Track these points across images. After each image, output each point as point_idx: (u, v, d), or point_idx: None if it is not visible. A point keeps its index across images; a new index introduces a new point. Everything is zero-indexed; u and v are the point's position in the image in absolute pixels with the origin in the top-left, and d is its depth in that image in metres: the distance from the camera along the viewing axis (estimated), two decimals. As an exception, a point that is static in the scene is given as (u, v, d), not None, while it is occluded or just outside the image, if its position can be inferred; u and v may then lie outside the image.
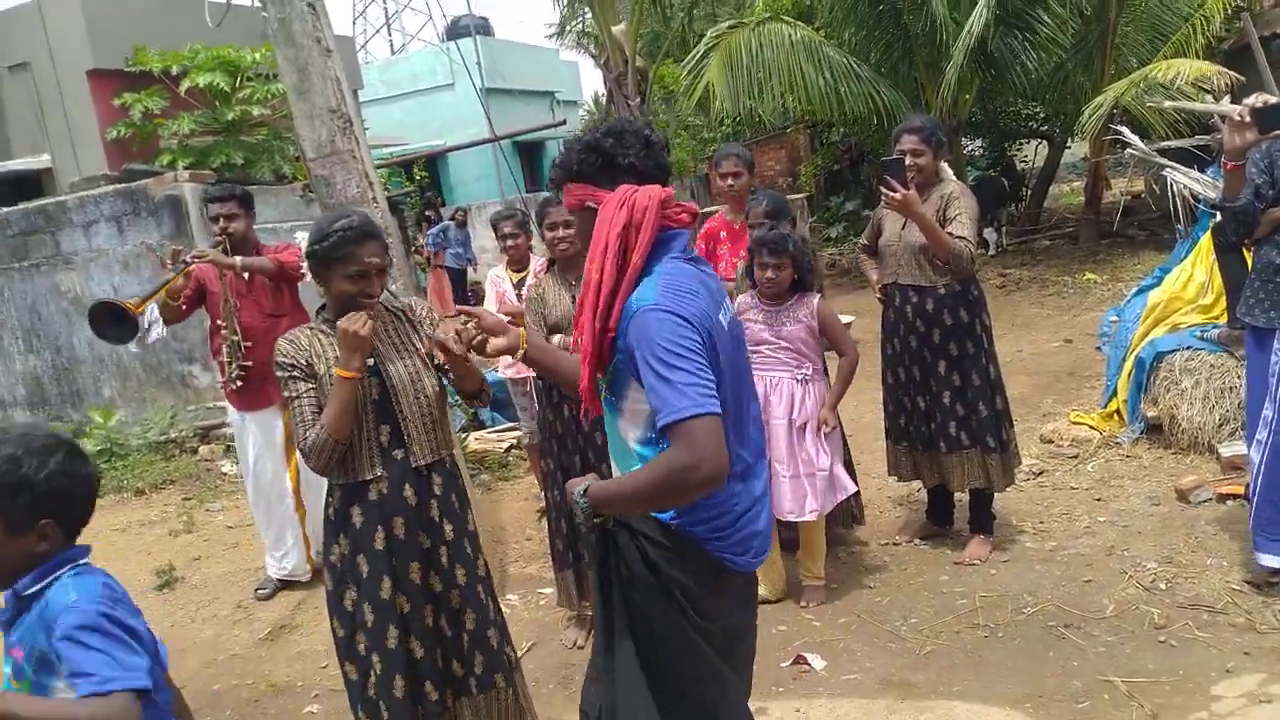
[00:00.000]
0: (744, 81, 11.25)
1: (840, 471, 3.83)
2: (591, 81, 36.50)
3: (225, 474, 6.80)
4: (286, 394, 2.56)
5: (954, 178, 4.17)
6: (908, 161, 3.90)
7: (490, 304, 5.00)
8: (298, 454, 4.53)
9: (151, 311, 4.29)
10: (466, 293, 13.34)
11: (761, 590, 3.98)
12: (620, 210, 1.85)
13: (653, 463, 1.81)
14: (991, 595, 3.71)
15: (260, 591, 4.68)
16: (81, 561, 1.72)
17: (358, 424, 2.50)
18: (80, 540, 1.76)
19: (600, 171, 1.92)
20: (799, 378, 3.79)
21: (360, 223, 2.47)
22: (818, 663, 3.36)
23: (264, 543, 4.77)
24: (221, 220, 4.38)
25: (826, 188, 17.16)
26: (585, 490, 1.93)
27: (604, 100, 18.68)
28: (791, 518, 3.74)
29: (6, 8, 12.64)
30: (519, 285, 4.93)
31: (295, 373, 2.54)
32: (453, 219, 13.61)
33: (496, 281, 5.11)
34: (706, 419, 1.73)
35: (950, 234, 3.83)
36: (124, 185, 7.67)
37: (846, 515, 4.18)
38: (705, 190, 20.52)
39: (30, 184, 12.35)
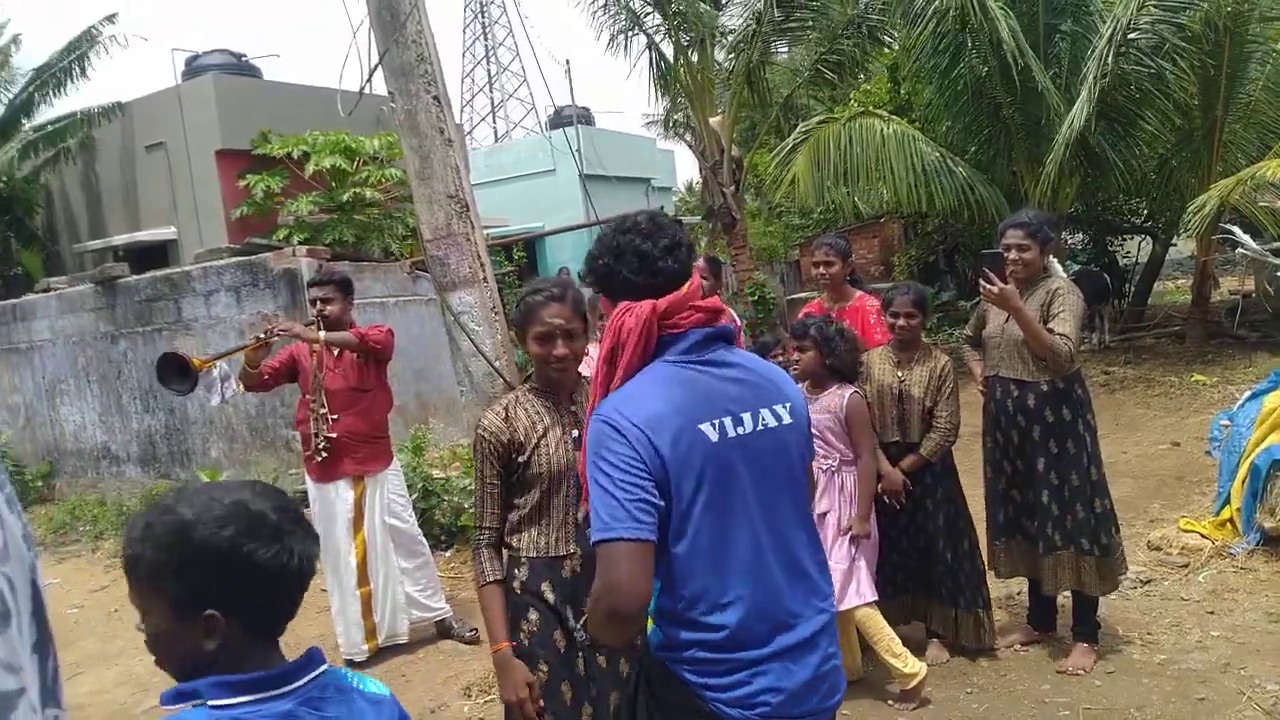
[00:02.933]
0: (830, 175, 11.37)
1: (864, 575, 3.77)
2: (685, 167, 37.34)
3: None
4: (476, 468, 2.51)
5: (1062, 274, 4.14)
6: (1012, 256, 3.90)
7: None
8: (365, 529, 4.65)
9: (221, 369, 4.51)
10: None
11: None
12: (610, 334, 1.80)
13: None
14: (1096, 708, 3.54)
15: (346, 658, 4.70)
16: (211, 702, 1.25)
17: (556, 499, 2.48)
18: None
19: (607, 289, 1.88)
20: (823, 467, 3.82)
21: (549, 286, 2.52)
22: (912, 767, 3.25)
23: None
24: (319, 304, 4.61)
25: (920, 278, 17.02)
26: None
27: (698, 187, 19.04)
28: None
29: (149, 93, 13.66)
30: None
31: (491, 454, 2.47)
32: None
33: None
34: (614, 545, 1.62)
35: (1051, 330, 3.79)
36: (244, 258, 8.10)
37: (973, 633, 4.05)
38: (796, 276, 20.64)
39: (158, 253, 13.17)
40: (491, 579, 2.45)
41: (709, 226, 15.67)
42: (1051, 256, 4.18)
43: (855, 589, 3.74)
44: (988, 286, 3.75)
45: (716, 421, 1.73)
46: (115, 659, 5.08)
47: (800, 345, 3.85)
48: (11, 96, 13.68)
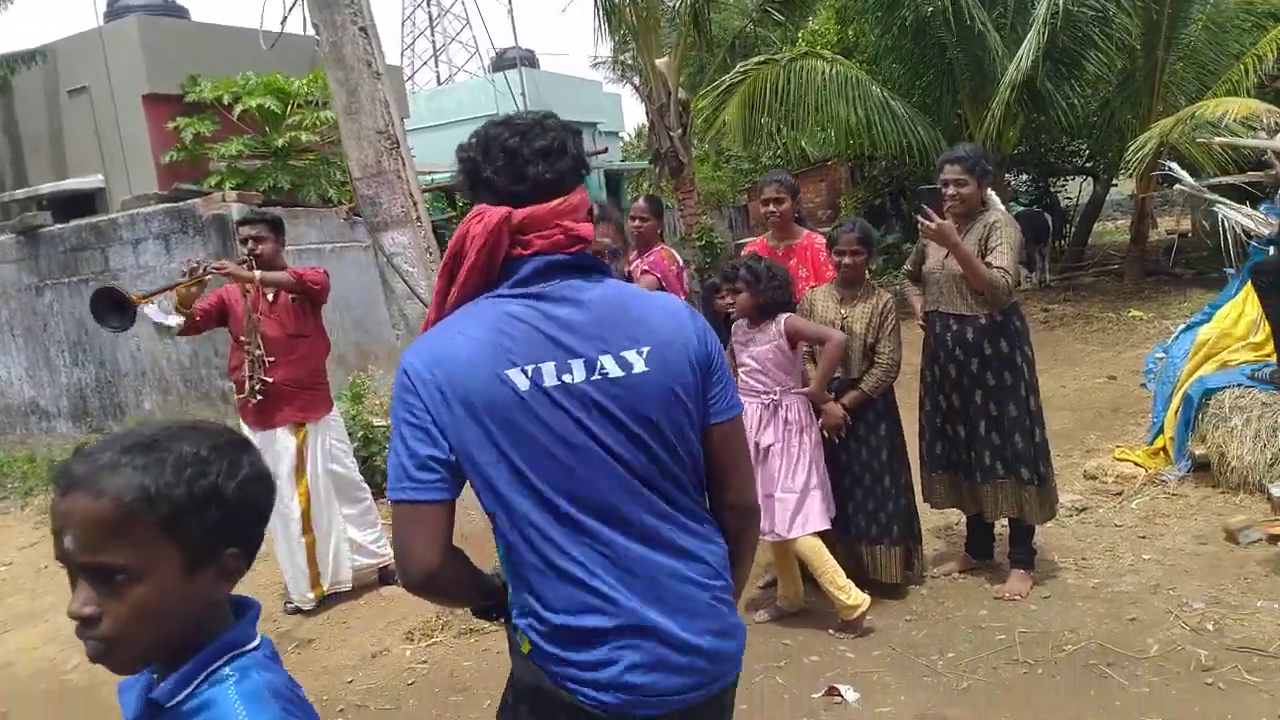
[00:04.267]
0: (766, 117, 11.26)
1: (815, 505, 3.79)
2: (633, 113, 36.91)
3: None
4: None
5: (1000, 207, 4.13)
6: (950, 191, 3.88)
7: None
8: (308, 476, 4.56)
9: (163, 304, 4.33)
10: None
11: (780, 602, 3.95)
12: (454, 239, 1.55)
13: None
14: (1032, 631, 3.60)
15: (288, 604, 4.67)
16: (250, 648, 1.17)
17: None
18: None
19: (471, 188, 1.60)
20: (765, 403, 3.84)
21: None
22: (850, 695, 3.27)
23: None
24: (250, 242, 4.44)
25: (867, 221, 17.10)
26: None
27: (646, 131, 18.81)
28: (764, 538, 3.75)
29: (70, 34, 13.05)
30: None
31: None
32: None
33: None
34: (397, 508, 1.49)
35: (988, 264, 3.79)
36: (172, 204, 7.82)
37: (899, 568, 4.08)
38: (744, 221, 20.58)
39: (85, 202, 12.67)
40: None
41: (656, 171, 15.51)
42: (990, 190, 4.17)
43: (803, 519, 3.75)
44: (925, 222, 3.73)
45: (531, 368, 1.47)
46: (44, 615, 4.94)
47: (732, 288, 3.84)
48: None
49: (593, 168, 22.30)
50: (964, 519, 4.32)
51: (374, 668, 3.96)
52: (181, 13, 14.13)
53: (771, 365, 3.82)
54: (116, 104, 12.55)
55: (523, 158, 1.53)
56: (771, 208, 4.55)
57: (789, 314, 3.88)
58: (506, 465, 1.48)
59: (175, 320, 4.44)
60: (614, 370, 1.51)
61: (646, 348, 1.54)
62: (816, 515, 3.79)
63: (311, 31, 4.82)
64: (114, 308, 4.13)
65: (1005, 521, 4.11)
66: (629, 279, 4.17)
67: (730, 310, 5.73)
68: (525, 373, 1.48)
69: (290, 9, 5.19)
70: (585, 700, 1.51)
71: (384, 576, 4.83)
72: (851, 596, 3.70)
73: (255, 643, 1.18)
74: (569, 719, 1.53)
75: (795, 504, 3.74)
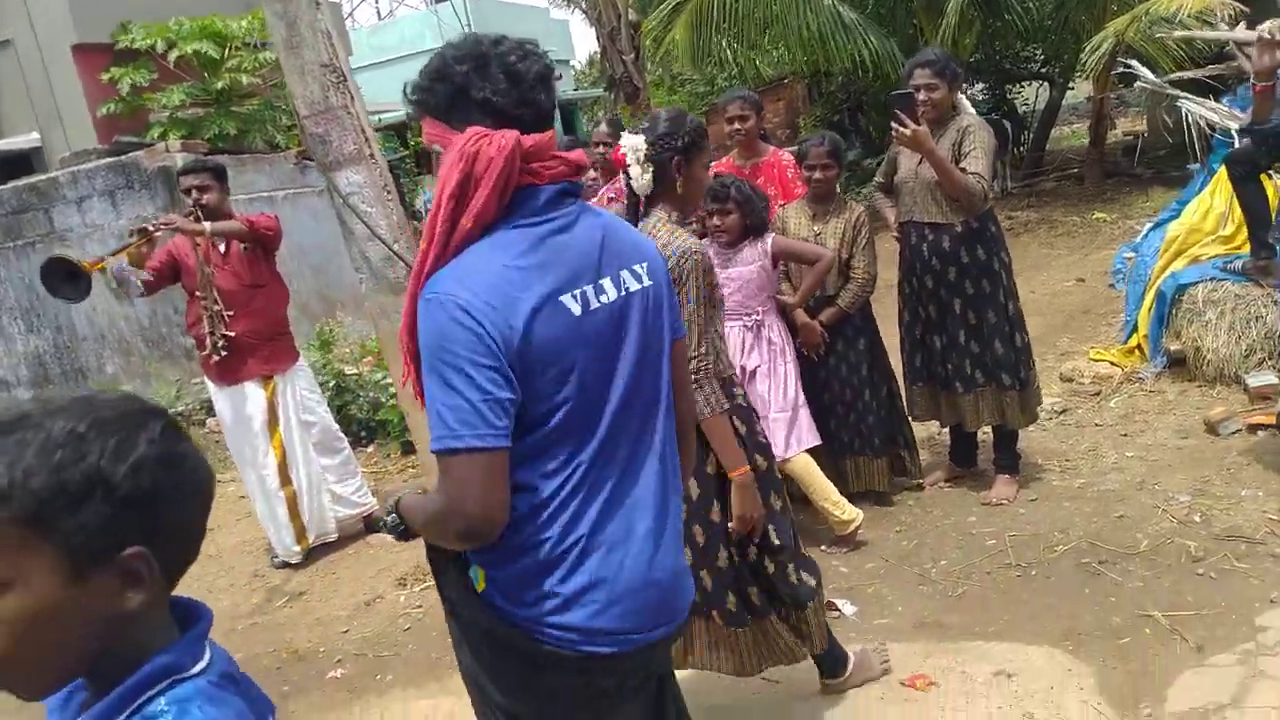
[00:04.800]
0: (715, 36, 10.99)
1: (805, 422, 3.77)
2: (583, 40, 36.06)
3: (234, 446, 6.74)
4: (692, 291, 2.31)
5: (972, 111, 4.05)
6: (921, 96, 3.78)
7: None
8: (281, 429, 4.46)
9: (115, 266, 4.14)
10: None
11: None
12: (460, 161, 1.42)
13: (427, 500, 1.52)
14: (1021, 534, 3.63)
15: (275, 559, 4.60)
16: (192, 673, 0.94)
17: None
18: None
19: (450, 108, 1.47)
20: (748, 324, 3.77)
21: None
22: (848, 608, 3.29)
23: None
24: (194, 192, 4.28)
25: (828, 137, 16.94)
26: (396, 502, 1.63)
27: (597, 58, 18.41)
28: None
29: (-15, -16, 12.40)
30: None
31: (705, 276, 2.37)
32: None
33: None
34: (466, 457, 1.37)
35: (963, 169, 3.72)
36: (115, 159, 7.54)
37: (898, 468, 4.16)
38: (703, 146, 20.31)
39: (21, 163, 12.20)
40: (720, 409, 2.34)
41: (610, 98, 15.21)
42: (960, 95, 4.08)
43: (796, 437, 3.72)
44: (899, 129, 3.64)
45: (578, 292, 1.46)
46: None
47: (723, 208, 3.68)
48: None
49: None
50: (946, 429, 4.32)
51: (369, 616, 3.93)
52: (105, -44, 13.45)
53: (755, 287, 3.74)
54: (44, 57, 12.02)
55: (527, 82, 1.47)
56: (736, 125, 4.43)
57: (773, 234, 3.79)
58: (560, 397, 1.45)
59: (135, 292, 4.26)
60: (633, 284, 1.55)
61: (646, 262, 1.59)
62: (807, 432, 3.77)
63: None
64: (67, 278, 3.93)
65: (988, 429, 4.12)
66: None
67: (707, 231, 5.64)
68: (575, 297, 1.46)
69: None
70: (550, 639, 1.51)
71: (369, 525, 4.77)
72: (845, 512, 3.70)
73: (202, 664, 0.95)
74: (536, 660, 1.52)
75: (787, 423, 3.70)
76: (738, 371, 3.78)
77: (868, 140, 16.07)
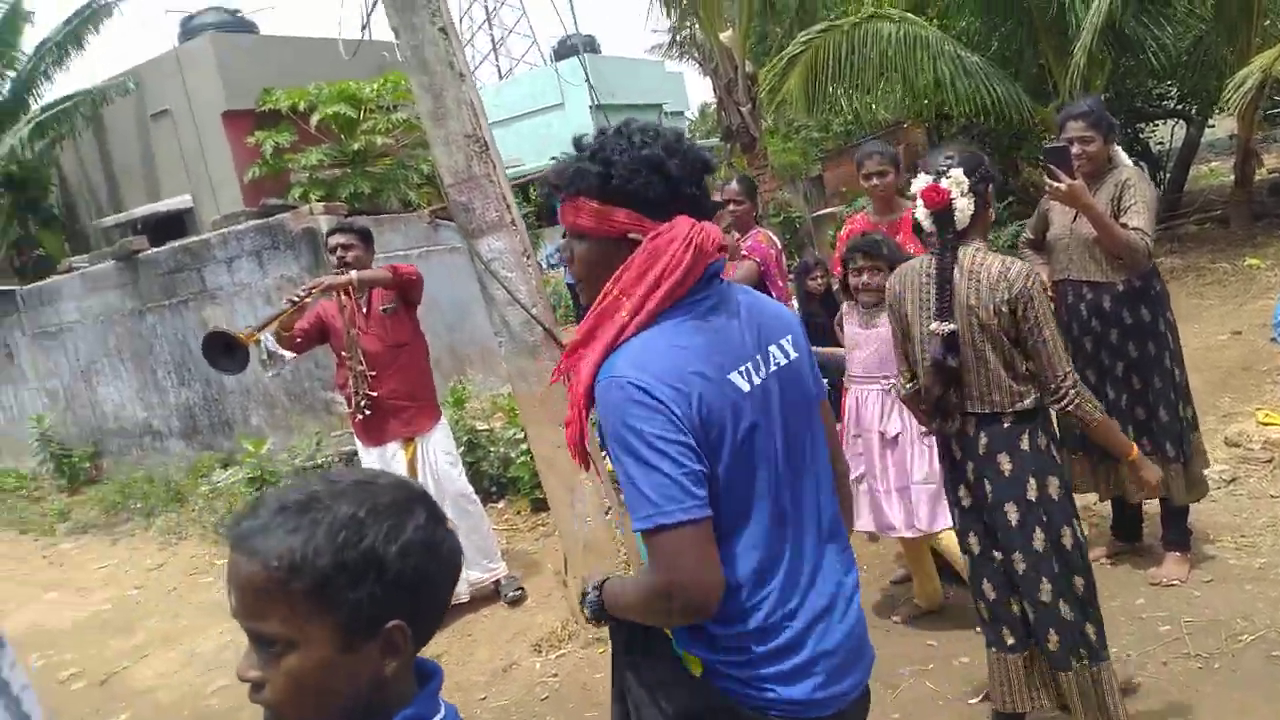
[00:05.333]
0: (830, 85, 10.92)
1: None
2: (697, 91, 36.48)
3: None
4: (1047, 319, 2.56)
5: (1128, 162, 3.87)
6: (1075, 150, 3.62)
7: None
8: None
9: (267, 339, 4.29)
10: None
11: (917, 600, 3.79)
12: (686, 251, 1.48)
13: (638, 584, 1.53)
14: (1198, 620, 3.37)
15: None
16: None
17: None
18: None
19: (658, 199, 1.51)
20: (885, 388, 3.62)
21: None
22: (1012, 697, 3.10)
23: None
24: (340, 251, 4.41)
25: (949, 183, 16.54)
26: (601, 583, 1.66)
27: (712, 109, 18.55)
28: (893, 534, 3.65)
29: (148, 59, 13.37)
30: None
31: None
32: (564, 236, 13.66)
33: None
34: (675, 532, 1.39)
35: (1123, 225, 3.54)
36: (262, 220, 7.92)
37: None
38: (819, 192, 20.16)
39: (175, 223, 13.02)
40: (1100, 414, 2.58)
41: (727, 148, 15.27)
42: (1116, 146, 3.91)
43: (944, 509, 3.56)
44: (1054, 184, 3.49)
45: (744, 368, 1.52)
46: (179, 639, 5.05)
47: (875, 265, 3.59)
48: (17, 73, 13.37)
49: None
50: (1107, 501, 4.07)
51: (505, 682, 3.92)
52: (251, 27, 14.40)
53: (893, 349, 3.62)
54: (198, 124, 12.85)
55: (703, 173, 1.56)
56: (875, 181, 4.34)
57: None
58: (738, 469, 1.50)
59: (277, 369, 4.44)
60: (782, 359, 1.61)
61: (790, 335, 1.65)
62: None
63: (387, 39, 4.77)
64: (225, 350, 4.10)
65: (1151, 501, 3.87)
66: None
67: (822, 290, 5.53)
68: (741, 374, 1.52)
69: (370, 14, 5.14)
70: (780, 711, 1.53)
71: (499, 589, 4.78)
72: None
73: (439, 717, 1.09)
74: None
75: (932, 496, 3.55)
76: (876, 436, 3.67)
77: (997, 185, 15.63)
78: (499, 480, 6.26)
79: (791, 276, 5.45)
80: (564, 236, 1.64)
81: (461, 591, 4.66)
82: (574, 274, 1.64)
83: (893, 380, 3.62)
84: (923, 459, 3.61)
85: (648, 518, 1.40)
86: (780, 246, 4.95)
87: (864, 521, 3.70)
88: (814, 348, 5.04)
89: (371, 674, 1.03)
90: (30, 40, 13.47)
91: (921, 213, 2.67)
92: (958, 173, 2.58)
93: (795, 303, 5.06)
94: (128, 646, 5.09)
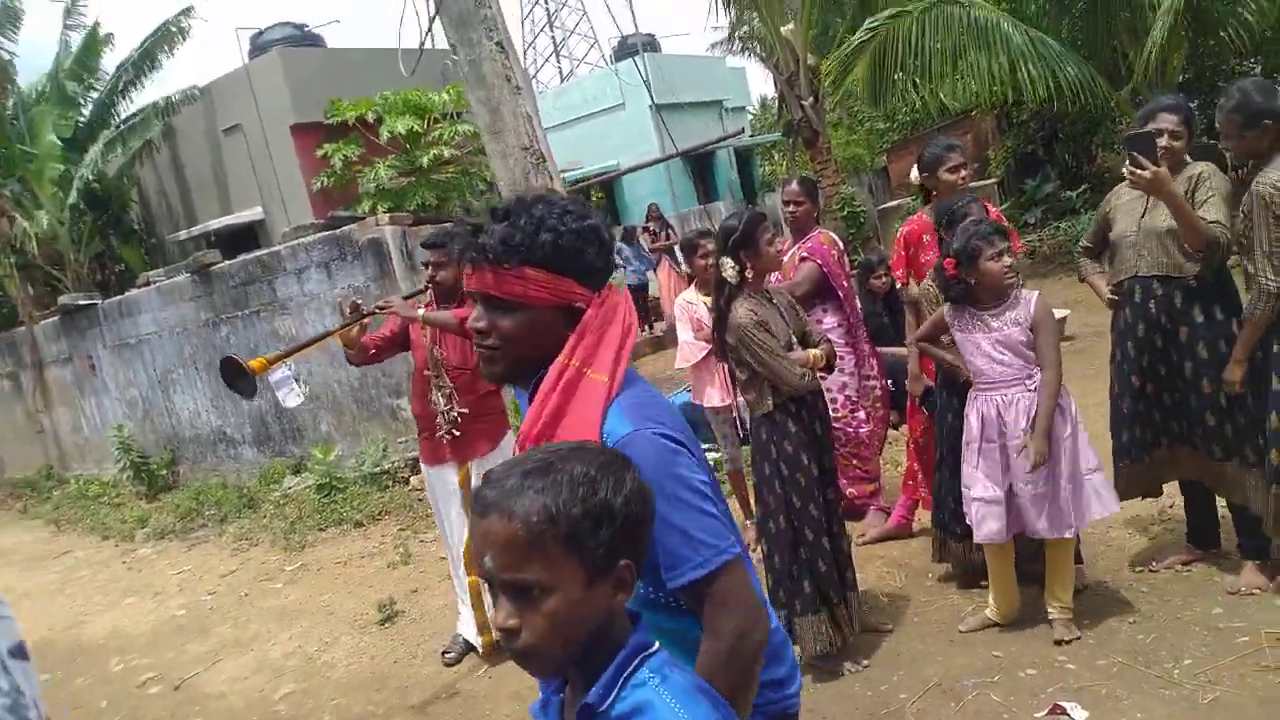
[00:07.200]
0: (899, 74, 10.70)
1: (1099, 479, 3.45)
2: (757, 85, 36.17)
3: (435, 504, 7.01)
4: None
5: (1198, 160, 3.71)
6: (1163, 142, 3.48)
7: (686, 332, 4.84)
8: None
9: (288, 369, 4.15)
10: (648, 304, 13.45)
11: (990, 613, 3.67)
12: (630, 314, 1.62)
13: (710, 651, 1.45)
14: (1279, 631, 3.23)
15: (446, 655, 4.41)
16: (655, 650, 1.26)
17: None
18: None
19: (600, 268, 1.60)
20: (1030, 387, 3.41)
21: None
22: (1079, 714, 3.01)
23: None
24: (431, 268, 4.26)
25: (1019, 171, 16.16)
26: None
27: (774, 103, 18.38)
28: (1043, 533, 3.44)
29: (219, 75, 13.76)
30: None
31: None
32: (623, 239, 13.58)
33: (689, 308, 4.82)
34: (736, 566, 1.46)
35: (1202, 218, 3.41)
36: (330, 232, 8.08)
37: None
38: (885, 185, 19.85)
39: (246, 235, 13.40)
40: None
41: (789, 143, 15.12)
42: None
43: (1097, 499, 3.43)
44: (1138, 171, 3.35)
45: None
46: (250, 645, 5.18)
47: (1006, 245, 3.43)
48: (98, 95, 13.91)
49: (723, 146, 21.81)
50: (1180, 503, 3.93)
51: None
52: (318, 41, 14.72)
53: (1021, 346, 3.44)
54: (267, 137, 13.20)
55: (609, 249, 1.66)
56: (963, 174, 4.27)
57: (1039, 293, 3.50)
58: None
59: (297, 399, 4.32)
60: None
61: None
62: (1107, 492, 3.49)
63: (448, 48, 4.83)
64: (239, 374, 3.98)
65: (1223, 503, 3.72)
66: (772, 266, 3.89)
67: (885, 289, 5.41)
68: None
69: (428, 29, 5.22)
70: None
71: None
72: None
73: (657, 644, 1.26)
74: None
75: (1072, 492, 3.41)
76: (1016, 442, 3.48)
77: (1063, 170, 15.23)
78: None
79: (855, 272, 5.37)
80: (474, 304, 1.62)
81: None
82: (486, 344, 1.60)
83: (1036, 379, 3.41)
84: (1089, 449, 3.47)
85: (710, 559, 1.43)
86: (841, 247, 4.88)
87: (991, 531, 3.49)
88: (879, 348, 4.96)
89: (608, 607, 1.21)
90: (110, 63, 13.99)
91: None
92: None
93: (858, 301, 4.96)
94: (201, 651, 5.26)
